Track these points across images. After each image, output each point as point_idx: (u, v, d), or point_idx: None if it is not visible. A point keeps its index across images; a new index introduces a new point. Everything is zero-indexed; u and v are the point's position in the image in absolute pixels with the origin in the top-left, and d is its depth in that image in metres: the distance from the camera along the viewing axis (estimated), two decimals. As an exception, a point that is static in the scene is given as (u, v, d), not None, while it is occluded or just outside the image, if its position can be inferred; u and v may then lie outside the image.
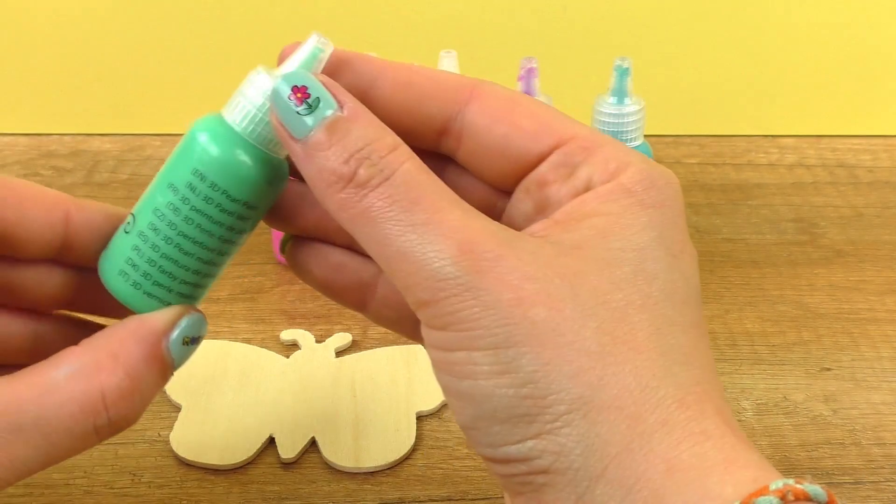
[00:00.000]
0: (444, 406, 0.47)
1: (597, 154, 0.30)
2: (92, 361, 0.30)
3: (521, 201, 0.31)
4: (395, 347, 0.50)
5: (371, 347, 0.50)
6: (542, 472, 0.27)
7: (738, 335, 0.52)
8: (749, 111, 0.72)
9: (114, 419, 0.30)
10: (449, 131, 0.31)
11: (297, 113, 0.29)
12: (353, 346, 0.51)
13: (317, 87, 0.29)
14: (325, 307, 0.54)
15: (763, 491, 0.25)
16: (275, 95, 0.29)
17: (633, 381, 0.26)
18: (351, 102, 0.29)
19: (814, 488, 0.25)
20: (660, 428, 0.26)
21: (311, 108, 0.29)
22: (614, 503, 0.26)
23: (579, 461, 0.26)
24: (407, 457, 0.44)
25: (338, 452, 0.44)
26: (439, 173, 0.31)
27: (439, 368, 0.29)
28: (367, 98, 0.30)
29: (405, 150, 0.29)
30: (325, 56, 0.30)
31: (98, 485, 0.43)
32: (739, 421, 0.46)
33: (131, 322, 0.31)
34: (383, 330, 0.52)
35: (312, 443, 0.45)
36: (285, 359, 0.49)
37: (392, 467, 0.44)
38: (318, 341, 0.51)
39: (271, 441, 0.45)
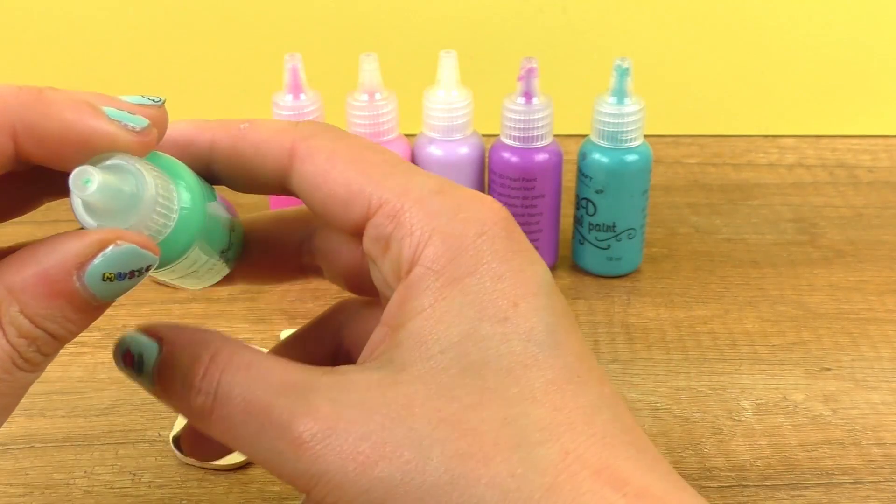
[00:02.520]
0: (443, 406, 0.47)
1: (402, 223, 0.28)
2: None
3: (372, 270, 0.31)
4: (395, 347, 0.50)
5: (371, 347, 0.50)
6: None
7: (738, 335, 0.52)
8: (749, 111, 0.72)
9: (27, 355, 0.27)
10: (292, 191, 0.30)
11: (139, 380, 0.30)
12: (353, 346, 0.51)
13: (135, 342, 0.29)
14: (325, 307, 0.54)
15: None
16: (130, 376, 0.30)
17: (495, 496, 0.25)
18: (164, 332, 0.29)
19: None
20: None
21: (142, 367, 0.29)
22: None
23: None
24: (407, 457, 0.44)
25: (338, 452, 0.44)
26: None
27: None
28: (210, 173, 0.30)
29: (221, 357, 0.28)
30: None
31: (98, 485, 0.43)
32: (740, 421, 0.46)
33: (45, 246, 0.27)
34: (383, 330, 0.52)
35: (312, 443, 0.45)
36: (285, 359, 0.49)
37: (392, 467, 0.44)
38: (318, 341, 0.50)
39: (271, 441, 0.45)
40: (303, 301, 0.54)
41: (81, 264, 0.26)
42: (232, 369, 0.28)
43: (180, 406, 0.29)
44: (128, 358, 0.29)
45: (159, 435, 0.45)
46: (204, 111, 0.71)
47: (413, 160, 0.55)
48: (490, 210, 0.28)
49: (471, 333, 0.27)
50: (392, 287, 0.29)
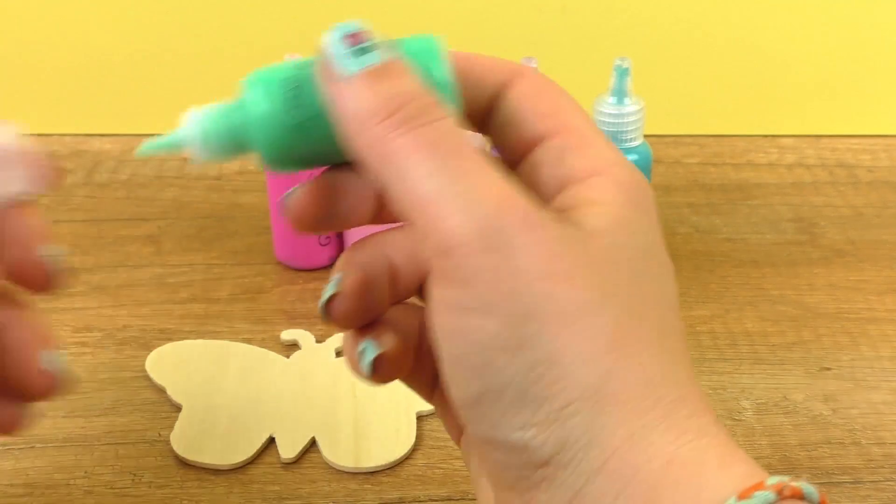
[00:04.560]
0: (444, 406, 0.47)
1: (588, 147, 0.30)
2: None
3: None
4: (395, 347, 0.50)
5: (371, 347, 0.50)
6: (541, 464, 0.26)
7: (738, 335, 0.52)
8: (749, 111, 0.72)
9: None
10: (491, 112, 0.31)
11: (348, 54, 0.29)
12: (353, 346, 0.51)
13: (372, 37, 0.29)
14: (325, 307, 0.54)
15: (759, 486, 0.24)
16: (328, 38, 0.29)
17: (639, 376, 0.26)
18: (403, 58, 0.29)
19: (808, 487, 0.25)
20: (661, 423, 0.26)
21: (364, 52, 0.29)
22: (610, 497, 0.25)
23: (581, 454, 0.26)
24: (407, 457, 0.44)
25: (338, 452, 0.44)
26: None
27: (447, 334, 0.27)
28: None
29: (448, 109, 0.28)
30: None
31: (99, 485, 0.43)
32: (740, 421, 0.46)
33: None
34: (383, 330, 0.52)
35: (312, 443, 0.45)
36: (285, 359, 0.49)
37: (392, 467, 0.44)
38: (318, 341, 0.51)
39: (271, 441, 0.45)
40: (303, 301, 0.54)
41: None
42: (459, 123, 0.28)
43: (365, 105, 0.28)
44: (355, 37, 0.30)
45: (159, 435, 0.45)
46: (204, 111, 0.71)
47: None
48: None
49: (650, 252, 0.28)
50: (548, 193, 0.29)
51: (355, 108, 0.28)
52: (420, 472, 0.44)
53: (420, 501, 0.42)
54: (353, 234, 0.56)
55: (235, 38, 0.69)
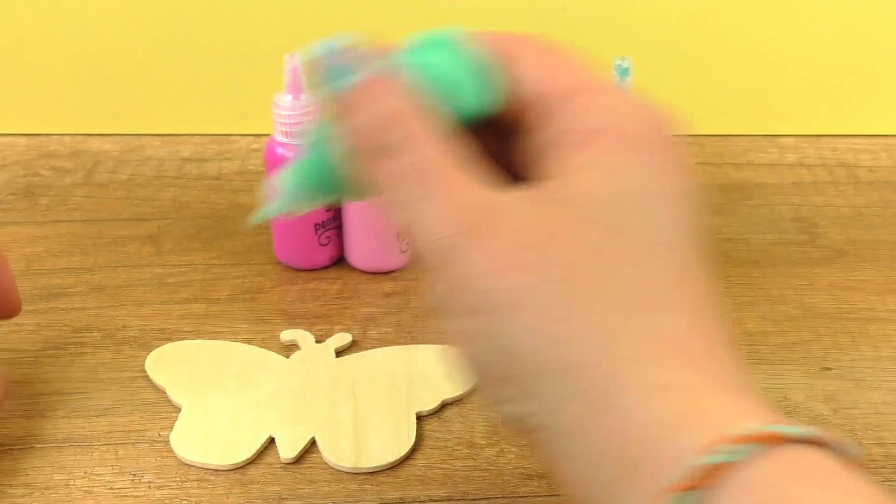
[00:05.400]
0: (444, 406, 0.47)
1: (576, 99, 0.33)
2: None
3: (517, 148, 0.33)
4: (395, 347, 0.50)
5: (371, 347, 0.50)
6: (535, 429, 0.29)
7: (738, 335, 0.52)
8: (749, 111, 0.72)
9: None
10: None
11: (329, 75, 0.32)
12: (353, 346, 0.51)
13: (353, 55, 0.33)
14: (325, 307, 0.54)
15: (722, 440, 0.25)
16: (313, 53, 0.32)
17: (595, 340, 0.28)
18: (388, 73, 0.33)
19: (791, 429, 0.26)
20: (625, 387, 0.27)
21: (343, 74, 0.32)
22: (596, 458, 0.27)
23: (567, 418, 0.28)
24: (407, 457, 0.44)
25: (338, 452, 0.44)
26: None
27: (442, 337, 0.30)
28: None
29: (425, 120, 0.31)
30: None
31: (98, 485, 0.43)
32: (740, 421, 0.46)
33: None
34: (383, 330, 0.52)
35: (312, 443, 0.45)
36: (285, 359, 0.49)
37: (392, 467, 0.44)
38: (318, 341, 0.50)
39: (271, 441, 0.45)
40: (303, 301, 0.54)
41: None
42: (436, 133, 0.31)
43: (362, 136, 0.31)
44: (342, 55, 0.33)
45: (159, 435, 0.45)
46: (204, 111, 0.71)
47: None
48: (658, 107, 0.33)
49: (642, 201, 0.30)
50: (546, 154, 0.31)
51: (356, 133, 0.31)
52: (420, 473, 0.44)
53: (420, 502, 0.42)
54: (353, 229, 0.56)
55: (235, 38, 0.69)
